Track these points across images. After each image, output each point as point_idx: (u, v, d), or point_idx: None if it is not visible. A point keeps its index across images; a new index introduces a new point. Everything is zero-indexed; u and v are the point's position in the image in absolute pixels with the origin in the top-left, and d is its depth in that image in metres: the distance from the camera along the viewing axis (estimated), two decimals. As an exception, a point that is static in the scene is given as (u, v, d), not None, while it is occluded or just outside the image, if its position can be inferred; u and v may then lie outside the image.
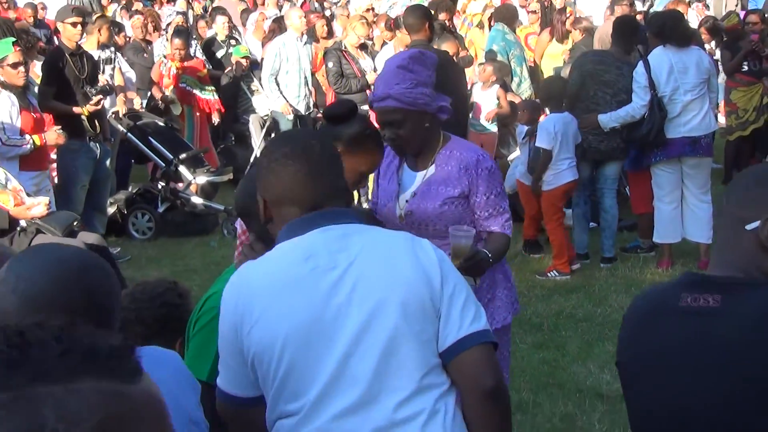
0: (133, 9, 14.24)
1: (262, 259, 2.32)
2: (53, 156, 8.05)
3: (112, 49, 9.92)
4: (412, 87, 3.70)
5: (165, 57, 10.94)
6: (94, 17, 10.29)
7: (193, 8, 15.15)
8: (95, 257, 1.95)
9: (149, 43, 11.84)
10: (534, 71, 11.14)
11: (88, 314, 1.75)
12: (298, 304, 2.17)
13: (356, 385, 2.15)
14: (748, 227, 2.00)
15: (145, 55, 11.38)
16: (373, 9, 13.51)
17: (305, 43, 10.70)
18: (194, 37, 12.38)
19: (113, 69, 9.69)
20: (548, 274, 7.69)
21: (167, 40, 11.38)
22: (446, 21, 11.41)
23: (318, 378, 2.15)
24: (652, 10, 12.80)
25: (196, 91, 10.77)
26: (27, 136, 7.19)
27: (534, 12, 12.53)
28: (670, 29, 7.62)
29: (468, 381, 2.23)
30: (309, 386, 2.16)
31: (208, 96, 10.83)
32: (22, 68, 7.28)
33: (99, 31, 9.64)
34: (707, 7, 15.52)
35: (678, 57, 7.52)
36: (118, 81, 9.77)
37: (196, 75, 10.83)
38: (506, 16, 10.76)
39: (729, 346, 1.95)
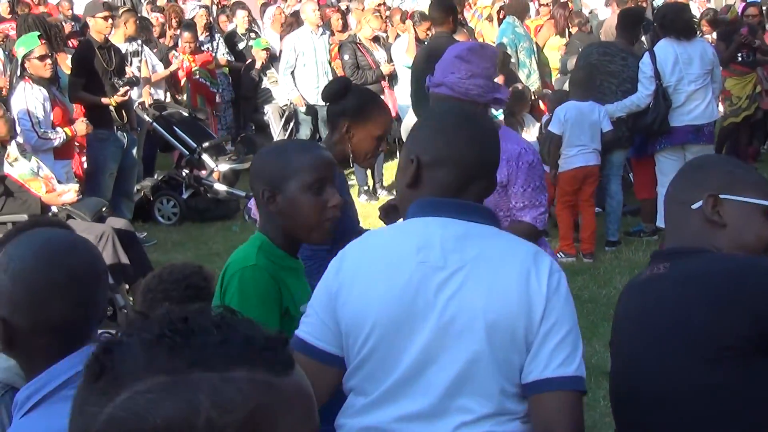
0: (157, 4, 14.24)
1: (383, 232, 2.27)
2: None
3: (140, 42, 9.94)
4: (466, 78, 3.69)
5: (176, 50, 10.97)
6: (120, 11, 10.31)
7: (216, 4, 15.14)
8: (83, 240, 1.98)
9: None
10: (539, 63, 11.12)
11: (69, 291, 1.81)
12: (397, 294, 2.06)
13: (428, 395, 2.04)
14: (694, 206, 2.19)
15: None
16: (384, 3, 13.48)
17: (320, 35, 10.69)
18: (216, 30, 12.40)
19: (140, 61, 9.72)
20: (557, 255, 7.69)
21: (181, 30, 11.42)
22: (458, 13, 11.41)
23: (394, 373, 2.06)
24: (656, 2, 12.73)
25: (209, 84, 10.83)
26: (59, 129, 7.24)
27: (546, 5, 12.48)
28: (671, 21, 7.61)
29: (541, 424, 2.04)
30: (384, 377, 2.07)
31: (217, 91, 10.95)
32: (48, 60, 7.33)
33: (125, 24, 9.67)
34: (709, 0, 15.43)
35: (683, 48, 7.52)
36: (144, 73, 9.80)
37: (207, 67, 10.87)
38: (517, 9, 10.72)
39: (674, 304, 2.13)
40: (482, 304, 2.01)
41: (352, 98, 3.65)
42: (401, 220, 2.25)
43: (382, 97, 9.95)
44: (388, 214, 3.72)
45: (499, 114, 9.48)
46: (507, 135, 3.86)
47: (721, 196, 2.18)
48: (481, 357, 2.01)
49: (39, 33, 7.56)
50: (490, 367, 2.01)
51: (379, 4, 12.52)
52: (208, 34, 11.80)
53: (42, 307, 1.81)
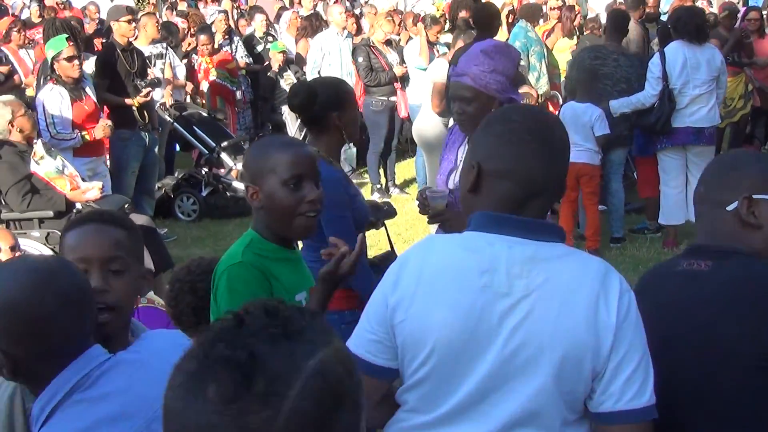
0: (178, 9, 14.27)
1: (446, 245, 2.04)
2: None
3: (164, 45, 9.93)
4: (488, 71, 3.71)
5: (196, 54, 10.97)
6: (140, 14, 10.32)
7: (237, 8, 15.17)
8: (60, 261, 1.97)
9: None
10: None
11: (63, 315, 1.80)
12: (460, 318, 1.90)
13: (489, 423, 1.92)
14: (729, 208, 2.13)
15: None
16: (396, 9, 13.48)
17: (345, 38, 10.68)
18: (235, 33, 12.39)
19: (164, 63, 9.71)
20: None
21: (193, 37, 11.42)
22: (469, 18, 11.37)
23: (453, 397, 1.93)
24: (663, 8, 12.66)
25: (228, 84, 10.82)
26: (76, 131, 7.22)
27: (556, 9, 12.43)
28: (684, 24, 7.57)
29: None
30: (444, 400, 1.94)
31: (237, 90, 10.93)
32: (76, 61, 7.35)
33: (145, 27, 9.67)
34: (710, 4, 15.32)
35: (692, 53, 7.48)
36: (167, 75, 9.79)
37: (226, 67, 10.86)
38: (530, 13, 10.69)
39: (713, 303, 2.07)
40: (549, 335, 1.87)
41: (325, 93, 3.73)
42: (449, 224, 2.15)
43: (393, 98, 10.00)
44: (425, 206, 3.77)
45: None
46: None
47: (756, 196, 2.12)
48: (546, 390, 1.88)
49: (67, 35, 7.56)
50: (555, 400, 1.89)
51: (393, 10, 12.51)
52: (227, 37, 11.81)
53: (39, 337, 1.79)
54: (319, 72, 10.54)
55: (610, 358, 1.87)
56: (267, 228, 2.66)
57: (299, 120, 10.95)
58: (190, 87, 10.58)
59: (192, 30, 11.80)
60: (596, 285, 1.90)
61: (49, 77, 7.38)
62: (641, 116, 7.58)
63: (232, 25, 12.76)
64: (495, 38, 8.17)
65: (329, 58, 10.48)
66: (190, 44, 11.40)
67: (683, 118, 7.49)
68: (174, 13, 13.83)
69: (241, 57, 11.79)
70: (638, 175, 8.49)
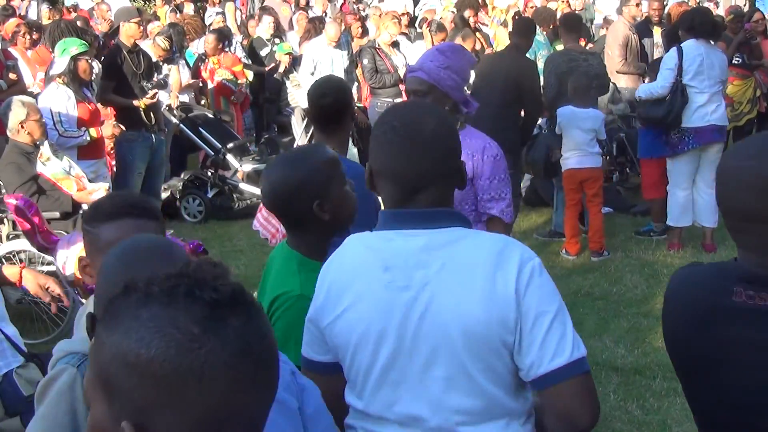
0: (184, 12, 14.29)
1: (356, 246, 2.12)
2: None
3: (174, 48, 9.94)
4: (442, 67, 3.80)
5: (204, 55, 10.99)
6: (149, 28, 10.35)
7: (241, 11, 15.20)
8: (167, 244, 1.97)
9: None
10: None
11: None
12: (374, 318, 2.00)
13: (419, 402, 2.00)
14: None
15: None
16: (408, 13, 13.51)
17: (336, 47, 10.64)
18: (242, 34, 12.42)
19: (169, 69, 9.72)
20: (561, 252, 7.78)
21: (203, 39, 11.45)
22: (471, 17, 11.38)
23: (369, 382, 2.04)
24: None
25: (231, 85, 10.83)
26: (83, 129, 7.24)
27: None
28: (700, 23, 7.60)
29: (556, 417, 1.96)
30: (365, 387, 2.06)
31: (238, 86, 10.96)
32: (92, 64, 7.37)
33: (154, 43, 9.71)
34: (717, 4, 15.32)
35: (708, 52, 7.53)
36: (174, 78, 9.80)
37: (231, 70, 10.87)
38: (543, 17, 10.71)
39: None
40: (451, 320, 1.91)
41: (334, 97, 3.88)
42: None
43: (398, 100, 10.04)
44: None
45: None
46: (472, 133, 3.95)
47: None
48: (463, 369, 1.93)
49: (82, 41, 7.57)
50: (475, 375, 1.94)
51: (402, 14, 12.54)
52: (225, 38, 11.83)
53: None
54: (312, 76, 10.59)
55: (520, 329, 1.90)
56: (314, 243, 2.64)
57: (305, 121, 11.01)
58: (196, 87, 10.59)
59: (192, 33, 11.85)
60: (492, 260, 1.93)
61: (52, 76, 7.34)
62: (651, 109, 7.57)
63: (231, 27, 12.76)
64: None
65: (321, 67, 10.49)
66: (190, 46, 11.44)
67: (705, 116, 7.50)
68: (177, 15, 13.85)
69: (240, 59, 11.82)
70: (643, 178, 8.47)
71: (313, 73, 10.52)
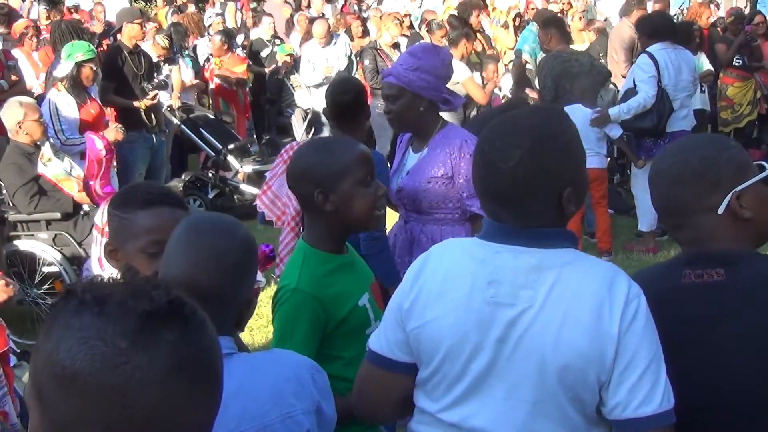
0: (186, 12, 14.28)
1: (459, 252, 2.06)
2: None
3: (175, 50, 9.96)
4: (411, 69, 3.87)
5: (211, 56, 11.01)
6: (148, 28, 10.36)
7: (242, 12, 15.21)
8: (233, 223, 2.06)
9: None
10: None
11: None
12: (468, 330, 1.95)
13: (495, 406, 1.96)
14: (720, 211, 2.01)
15: None
16: (409, 15, 13.53)
17: (332, 45, 10.64)
18: (244, 34, 12.44)
19: (170, 69, 9.74)
20: None
21: (209, 40, 11.44)
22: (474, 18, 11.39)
23: (458, 389, 2.00)
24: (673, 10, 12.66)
25: (224, 83, 10.85)
26: (84, 135, 7.22)
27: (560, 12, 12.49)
28: (663, 26, 7.58)
29: None
30: (449, 392, 2.01)
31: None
32: (95, 70, 7.38)
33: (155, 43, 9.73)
34: (717, 6, 15.33)
35: (675, 54, 7.45)
36: (176, 79, 9.82)
37: (231, 71, 10.87)
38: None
39: (739, 314, 1.95)
40: (551, 347, 1.87)
41: (350, 95, 4.02)
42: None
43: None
44: None
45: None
46: (452, 130, 4.01)
47: (738, 189, 2.01)
48: (551, 397, 1.89)
49: (89, 44, 7.58)
50: (560, 405, 1.89)
51: (405, 15, 12.54)
52: (231, 39, 11.85)
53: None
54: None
55: (615, 367, 1.85)
56: (326, 234, 2.63)
57: (306, 122, 11.03)
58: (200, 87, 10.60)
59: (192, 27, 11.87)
60: (602, 292, 1.87)
61: (53, 81, 7.35)
62: (639, 120, 7.45)
63: (230, 26, 12.78)
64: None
65: (318, 68, 10.52)
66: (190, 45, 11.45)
67: (678, 121, 7.46)
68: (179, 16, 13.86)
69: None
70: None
71: (311, 73, 10.57)
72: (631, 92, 7.46)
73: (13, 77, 8.69)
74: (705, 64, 9.75)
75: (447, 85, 4.06)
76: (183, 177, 9.66)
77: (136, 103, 8.09)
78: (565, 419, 1.91)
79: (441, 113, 4.03)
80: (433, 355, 2.00)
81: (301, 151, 2.71)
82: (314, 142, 2.86)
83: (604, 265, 1.98)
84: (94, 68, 7.32)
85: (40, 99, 7.51)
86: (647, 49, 7.47)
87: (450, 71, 4.17)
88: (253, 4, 14.85)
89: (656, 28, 7.54)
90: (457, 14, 10.15)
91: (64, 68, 7.25)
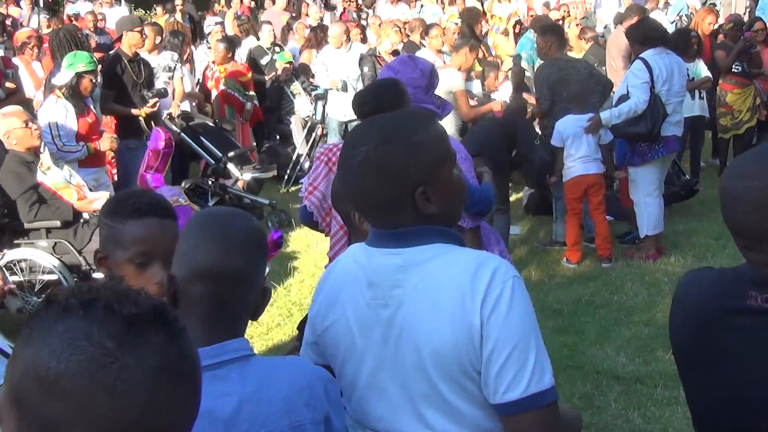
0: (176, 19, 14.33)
1: (348, 257, 2.15)
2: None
3: (176, 57, 9.96)
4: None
5: (213, 63, 11.01)
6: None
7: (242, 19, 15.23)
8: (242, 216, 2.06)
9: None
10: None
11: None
12: (356, 330, 2.04)
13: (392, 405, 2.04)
14: None
15: None
16: (408, 22, 13.56)
17: (348, 51, 10.67)
18: (237, 45, 12.44)
19: (170, 77, 9.74)
20: (562, 261, 7.80)
21: (209, 47, 11.44)
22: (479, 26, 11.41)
23: (356, 389, 2.09)
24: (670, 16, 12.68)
25: (238, 95, 10.84)
26: (81, 144, 7.21)
27: (560, 19, 12.52)
28: (654, 32, 7.61)
29: None
30: (352, 391, 2.10)
31: (248, 102, 10.93)
32: (94, 80, 7.39)
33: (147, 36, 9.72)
34: (717, 14, 15.33)
35: (667, 60, 7.49)
36: (178, 88, 9.82)
37: (239, 80, 10.89)
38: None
39: None
40: (423, 339, 1.91)
41: (379, 95, 3.88)
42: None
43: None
44: None
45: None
46: None
47: None
48: (435, 390, 1.93)
49: (90, 54, 7.59)
50: (446, 399, 1.93)
51: (405, 22, 12.57)
52: (234, 47, 11.85)
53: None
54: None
55: (482, 354, 1.87)
56: None
57: (305, 129, 11.04)
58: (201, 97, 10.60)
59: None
60: (464, 281, 1.89)
61: (52, 89, 7.35)
62: (634, 125, 7.45)
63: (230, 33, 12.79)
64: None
65: (332, 71, 10.52)
66: (190, 54, 11.47)
67: (670, 126, 7.50)
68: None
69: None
70: (621, 185, 8.43)
71: (326, 78, 10.57)
72: (625, 98, 7.49)
73: (9, 84, 8.70)
74: (703, 70, 9.76)
75: (440, 93, 4.07)
76: (183, 185, 9.65)
77: (135, 111, 8.10)
78: (453, 410, 1.94)
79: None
80: (335, 359, 2.10)
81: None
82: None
83: (470, 254, 1.99)
84: (94, 80, 7.32)
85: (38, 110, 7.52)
86: (641, 55, 7.50)
87: (433, 80, 4.17)
88: (243, 18, 14.82)
89: (647, 35, 7.57)
90: (463, 21, 10.15)
91: (63, 76, 7.25)
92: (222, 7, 17.71)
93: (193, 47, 12.12)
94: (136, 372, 1.10)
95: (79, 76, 7.19)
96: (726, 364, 1.93)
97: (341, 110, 10.39)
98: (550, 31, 8.42)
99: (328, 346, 2.12)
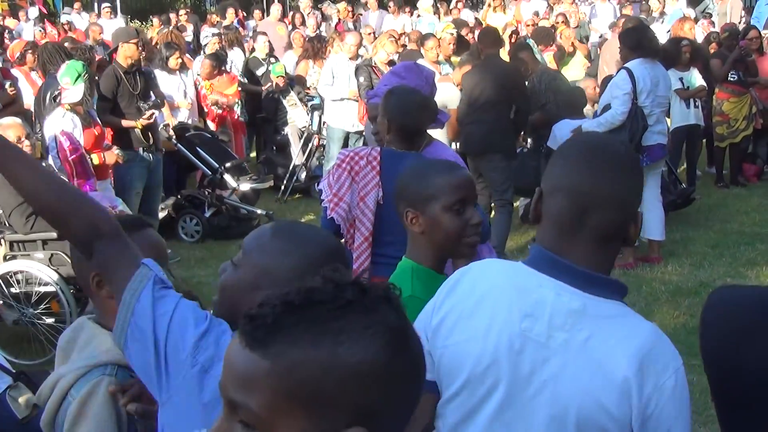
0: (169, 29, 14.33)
1: (496, 274, 1.96)
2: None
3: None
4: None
5: (200, 76, 11.02)
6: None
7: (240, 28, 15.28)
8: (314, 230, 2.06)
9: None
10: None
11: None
12: (494, 357, 1.86)
13: None
14: None
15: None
16: (405, 33, 13.59)
17: (356, 59, 10.67)
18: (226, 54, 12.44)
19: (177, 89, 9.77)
20: None
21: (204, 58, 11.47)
22: (469, 34, 11.44)
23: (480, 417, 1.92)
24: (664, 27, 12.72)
25: (215, 108, 10.85)
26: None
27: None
28: (649, 42, 7.68)
29: None
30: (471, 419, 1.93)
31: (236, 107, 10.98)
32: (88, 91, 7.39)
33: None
34: (713, 24, 15.40)
35: (653, 70, 7.55)
36: (182, 100, 9.85)
37: (223, 94, 10.89)
38: (542, 36, 10.80)
39: None
40: (578, 399, 1.78)
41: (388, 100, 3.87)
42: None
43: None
44: None
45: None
46: (438, 148, 4.01)
47: None
48: None
49: (83, 61, 7.57)
50: None
51: (400, 34, 12.59)
52: (222, 63, 11.85)
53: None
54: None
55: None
56: (430, 253, 2.61)
57: (302, 140, 11.04)
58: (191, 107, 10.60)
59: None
60: (638, 357, 1.76)
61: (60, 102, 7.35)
62: (613, 136, 7.49)
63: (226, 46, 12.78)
64: (499, 55, 8.36)
65: (338, 80, 10.52)
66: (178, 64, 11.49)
67: (653, 135, 7.57)
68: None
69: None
70: None
71: (330, 85, 10.57)
72: (608, 107, 7.60)
73: (10, 90, 8.70)
74: (698, 79, 9.80)
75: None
76: (179, 196, 9.66)
77: (131, 123, 8.10)
78: None
79: (429, 131, 4.02)
80: (453, 379, 1.92)
81: (404, 172, 2.72)
82: (419, 161, 2.87)
83: (648, 327, 1.85)
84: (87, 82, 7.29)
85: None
86: (627, 65, 7.56)
87: (434, 89, 4.16)
88: (232, 26, 14.82)
89: (640, 43, 7.62)
90: (454, 35, 10.16)
91: (75, 92, 7.21)
92: (218, 18, 17.73)
93: (189, 56, 12.11)
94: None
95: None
96: None
97: (346, 120, 10.39)
98: (521, 50, 8.78)
99: (446, 364, 1.93)
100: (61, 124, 7.14)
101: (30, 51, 10.00)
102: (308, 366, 1.16)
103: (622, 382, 1.75)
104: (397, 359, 1.20)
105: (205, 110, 10.90)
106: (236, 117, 11.21)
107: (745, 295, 2.03)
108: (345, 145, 10.39)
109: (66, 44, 9.24)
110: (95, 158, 7.24)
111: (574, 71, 11.31)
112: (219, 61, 11.34)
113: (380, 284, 1.24)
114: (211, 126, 10.79)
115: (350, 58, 10.57)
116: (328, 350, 1.16)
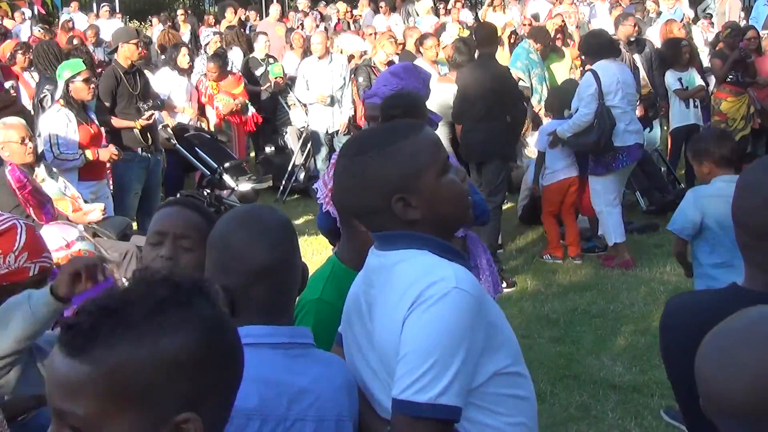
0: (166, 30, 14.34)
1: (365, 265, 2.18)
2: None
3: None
4: (396, 90, 3.83)
5: (204, 76, 11.02)
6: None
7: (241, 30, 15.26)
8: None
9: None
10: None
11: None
12: (347, 319, 2.20)
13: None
14: None
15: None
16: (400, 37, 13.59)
17: (329, 63, 10.66)
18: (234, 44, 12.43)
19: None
20: (543, 257, 8.15)
21: (207, 59, 11.46)
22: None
23: None
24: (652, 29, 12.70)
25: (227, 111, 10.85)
26: (79, 151, 7.20)
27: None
28: (607, 43, 7.76)
29: None
30: None
31: (246, 112, 10.94)
32: (92, 85, 7.37)
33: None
34: (712, 24, 15.39)
35: (620, 70, 7.65)
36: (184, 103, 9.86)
37: (231, 93, 10.89)
38: (539, 36, 10.78)
39: None
40: (377, 339, 1.99)
41: (400, 110, 3.85)
42: None
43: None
44: None
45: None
46: None
47: None
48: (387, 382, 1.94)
49: (83, 59, 7.59)
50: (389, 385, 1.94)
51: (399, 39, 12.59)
52: (226, 63, 11.85)
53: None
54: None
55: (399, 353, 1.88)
56: (356, 251, 2.52)
57: (301, 140, 11.04)
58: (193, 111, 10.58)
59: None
60: (408, 286, 1.90)
61: (59, 98, 7.36)
62: (583, 136, 7.59)
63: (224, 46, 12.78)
64: (495, 55, 8.35)
65: (312, 84, 10.55)
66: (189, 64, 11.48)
67: (631, 135, 7.62)
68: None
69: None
70: (583, 195, 8.45)
71: (308, 90, 10.59)
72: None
73: (11, 91, 8.72)
74: (697, 79, 9.81)
75: (436, 105, 4.09)
76: (177, 196, 9.62)
77: (131, 123, 8.10)
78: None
79: None
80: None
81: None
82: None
83: (428, 262, 1.94)
84: (84, 79, 7.28)
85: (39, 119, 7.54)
86: (592, 67, 7.65)
87: (428, 91, 4.18)
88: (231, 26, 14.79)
89: (599, 47, 7.70)
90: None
91: (59, 88, 7.29)
92: (218, 17, 17.72)
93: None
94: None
95: (67, 83, 7.24)
96: None
97: (325, 122, 10.45)
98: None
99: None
100: (56, 120, 7.14)
101: (21, 51, 9.98)
102: (130, 365, 1.22)
103: (393, 312, 1.93)
104: (215, 347, 1.30)
105: (212, 110, 10.87)
106: (249, 116, 11.17)
107: (701, 300, 2.11)
108: (330, 145, 10.46)
109: (74, 42, 9.23)
110: (89, 154, 7.21)
111: (562, 72, 11.29)
112: (224, 61, 11.34)
113: (192, 277, 1.33)
114: (213, 120, 10.79)
115: (319, 57, 10.61)
116: (148, 348, 1.23)
